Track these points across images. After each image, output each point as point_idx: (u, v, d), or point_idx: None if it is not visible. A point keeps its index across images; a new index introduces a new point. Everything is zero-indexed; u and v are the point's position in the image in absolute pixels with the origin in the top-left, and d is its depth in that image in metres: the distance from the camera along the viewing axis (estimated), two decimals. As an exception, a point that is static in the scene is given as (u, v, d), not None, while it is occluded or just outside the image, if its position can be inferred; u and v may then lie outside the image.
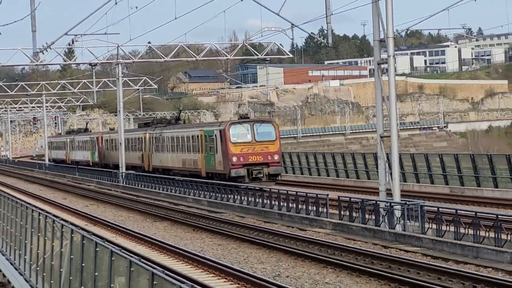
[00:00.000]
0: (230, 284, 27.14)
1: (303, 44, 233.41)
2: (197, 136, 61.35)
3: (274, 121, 64.24)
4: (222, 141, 55.67)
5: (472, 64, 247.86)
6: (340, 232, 37.98)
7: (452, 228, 32.03)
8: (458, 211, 32.45)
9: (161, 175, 70.11)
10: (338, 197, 40.97)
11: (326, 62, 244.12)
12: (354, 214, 38.77)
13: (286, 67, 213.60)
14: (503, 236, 29.17)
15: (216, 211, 49.68)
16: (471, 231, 30.76)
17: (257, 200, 48.58)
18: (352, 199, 39.99)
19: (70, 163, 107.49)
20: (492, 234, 29.65)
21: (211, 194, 55.50)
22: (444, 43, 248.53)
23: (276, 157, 55.67)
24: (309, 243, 34.80)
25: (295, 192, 45.44)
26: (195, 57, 73.64)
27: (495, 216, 30.43)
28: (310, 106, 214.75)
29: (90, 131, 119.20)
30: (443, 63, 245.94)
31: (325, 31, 37.91)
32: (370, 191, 48.53)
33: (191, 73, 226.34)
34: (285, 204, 45.08)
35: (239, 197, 50.96)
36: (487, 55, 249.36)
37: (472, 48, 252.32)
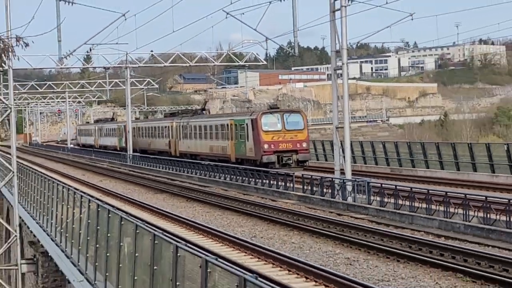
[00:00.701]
0: (216, 243, 27.11)
1: (275, 53, 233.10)
2: (227, 125, 55.05)
3: (302, 111, 56.02)
4: (254, 129, 49.43)
5: (409, 70, 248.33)
6: (304, 203, 38.00)
7: (392, 200, 32.13)
8: (397, 187, 32.59)
9: (184, 160, 64.40)
10: (302, 175, 41.05)
11: (293, 68, 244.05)
12: (314, 189, 38.85)
13: (261, 72, 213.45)
14: (433, 207, 29.26)
15: (206, 186, 49.59)
16: (407, 203, 30.87)
17: (238, 177, 48.57)
18: (313, 176, 40.04)
19: (98, 148, 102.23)
20: (424, 205, 29.75)
21: (225, 176, 51.11)
22: (387, 54, 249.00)
23: (304, 145, 49.34)
24: (279, 211, 34.81)
25: (267, 171, 45.61)
26: (189, 63, 74.53)
27: (426, 190, 30.55)
28: (280, 103, 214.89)
29: (116, 120, 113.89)
30: (386, 69, 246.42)
31: (293, 44, 37.88)
32: (327, 171, 48.54)
33: (185, 76, 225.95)
34: (260, 180, 45.21)
35: (223, 175, 50.98)
36: (421, 64, 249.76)
37: (409, 58, 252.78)
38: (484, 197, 27.74)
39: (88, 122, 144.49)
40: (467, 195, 28.08)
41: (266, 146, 48.29)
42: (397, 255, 23.18)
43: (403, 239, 25.35)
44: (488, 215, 26.36)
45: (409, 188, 31.52)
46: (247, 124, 50.72)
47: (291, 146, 48.70)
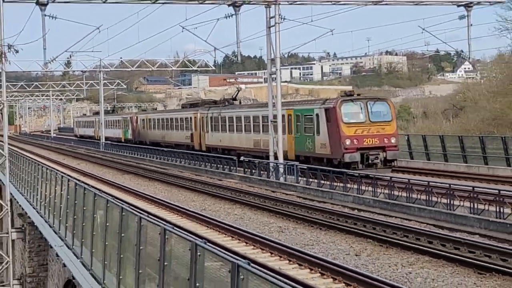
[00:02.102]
0: (172, 214, 27.01)
1: (222, 60, 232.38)
2: (282, 115, 37.50)
3: (389, 99, 38.18)
4: (330, 121, 34.15)
5: (330, 75, 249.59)
6: (244, 182, 37.98)
7: (316, 180, 32.27)
8: (320, 169, 32.73)
9: (143, 146, 58.10)
10: (243, 159, 40.99)
11: (236, 73, 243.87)
12: (253, 170, 38.85)
13: (211, 76, 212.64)
14: (349, 185, 29.45)
15: (166, 168, 49.24)
16: (328, 182, 31.03)
17: (191, 161, 48.35)
18: (251, 160, 40.02)
19: (98, 139, 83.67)
20: (341, 184, 29.92)
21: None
22: (312, 62, 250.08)
23: (393, 140, 34.00)
24: (224, 189, 34.78)
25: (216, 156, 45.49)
26: (151, 68, 74.55)
27: (343, 173, 30.71)
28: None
29: (117, 112, 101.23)
30: (311, 75, 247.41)
31: (236, 53, 37.83)
32: (264, 156, 48.51)
33: (148, 78, 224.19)
34: (209, 164, 45.06)
35: (178, 160, 50.70)
36: (339, 70, 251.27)
37: (330, 65, 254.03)
38: (389, 177, 28.06)
39: (85, 114, 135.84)
40: (375, 176, 28.29)
41: (348, 142, 33.29)
42: (319, 224, 23.31)
43: (324, 211, 25.50)
44: (392, 191, 26.61)
45: (329, 171, 31.68)
46: (317, 115, 35.37)
47: (378, 142, 33.78)
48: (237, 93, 55.30)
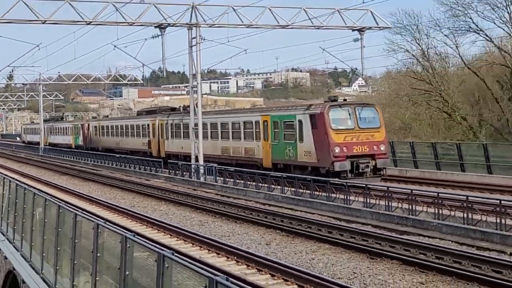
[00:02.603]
0: (104, 211, 26.48)
1: (149, 75, 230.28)
2: (255, 122, 33.19)
3: (377, 104, 32.47)
4: (317, 127, 28.43)
5: (244, 89, 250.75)
6: (169, 182, 37.67)
7: (232, 179, 32.27)
8: (236, 170, 32.71)
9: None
10: (168, 161, 40.65)
11: (162, 86, 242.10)
12: (177, 171, 38.57)
13: (139, 88, 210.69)
14: (260, 184, 29.54)
15: (98, 169, 48.35)
16: (242, 181, 31.07)
17: (121, 164, 47.63)
18: (175, 162, 39.70)
19: (47, 145, 77.53)
20: (254, 183, 29.99)
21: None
22: (229, 77, 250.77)
23: (382, 148, 28.70)
24: (152, 188, 34.40)
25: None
26: (86, 81, 73.31)
27: (254, 173, 30.79)
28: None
29: (66, 120, 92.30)
30: (228, 88, 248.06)
31: (162, 69, 37.72)
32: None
33: (84, 90, 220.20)
34: (138, 166, 44.49)
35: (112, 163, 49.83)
36: (252, 84, 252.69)
37: (244, 80, 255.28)
38: (295, 177, 28.27)
39: (33, 122, 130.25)
40: (283, 175, 28.49)
41: (337, 149, 27.81)
42: (235, 218, 23.30)
43: (239, 207, 25.51)
44: (298, 189, 26.82)
45: (244, 172, 31.72)
46: (300, 121, 29.61)
47: (367, 150, 28.37)
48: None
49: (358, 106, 29.32)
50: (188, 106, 43.39)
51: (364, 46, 36.20)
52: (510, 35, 49.50)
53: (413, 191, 21.49)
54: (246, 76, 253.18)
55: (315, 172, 28.40)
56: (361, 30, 36.05)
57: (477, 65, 51.46)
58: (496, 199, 19.19)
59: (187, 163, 37.82)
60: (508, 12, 48.40)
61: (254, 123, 33.36)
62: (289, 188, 27.42)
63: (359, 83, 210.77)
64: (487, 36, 50.58)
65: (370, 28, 36.06)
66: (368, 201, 22.60)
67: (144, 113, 55.19)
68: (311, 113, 29.05)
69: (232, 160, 35.60)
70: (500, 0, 48.36)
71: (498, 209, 17.92)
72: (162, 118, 46.23)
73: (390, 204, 21.63)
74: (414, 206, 20.68)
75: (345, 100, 32.30)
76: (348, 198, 23.01)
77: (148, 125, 48.45)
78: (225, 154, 36.57)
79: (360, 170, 27.85)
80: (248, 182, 30.39)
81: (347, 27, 35.80)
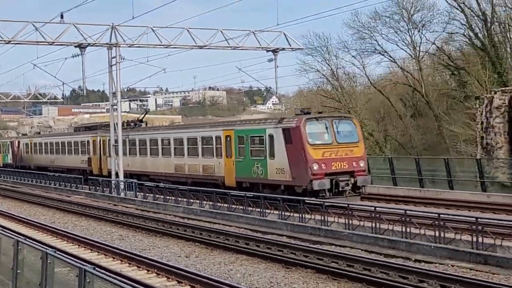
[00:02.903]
0: (25, 227, 25.58)
1: (69, 93, 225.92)
2: (215, 137, 29.51)
3: (354, 117, 29.16)
4: (292, 142, 25.00)
5: (163, 106, 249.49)
6: (90, 197, 36.87)
7: (152, 194, 31.89)
8: (158, 186, 32.32)
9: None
10: (88, 178, 39.79)
11: (82, 104, 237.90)
12: (98, 187, 37.81)
13: (59, 106, 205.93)
14: (179, 198, 29.27)
15: (16, 186, 46.76)
16: (162, 196, 30.74)
17: (41, 180, 46.29)
18: (95, 178, 38.91)
19: None
20: (173, 197, 29.71)
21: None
22: (148, 95, 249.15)
23: (362, 164, 25.44)
24: (72, 204, 33.54)
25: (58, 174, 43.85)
26: (5, 99, 71.01)
27: (187, 189, 30.47)
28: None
29: None
30: (147, 106, 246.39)
31: (82, 87, 37.05)
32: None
33: (2, 109, 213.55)
34: (59, 183, 43.37)
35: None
36: (171, 102, 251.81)
37: (163, 98, 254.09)
38: (214, 192, 28.18)
39: None
40: (202, 191, 28.35)
41: (315, 166, 24.28)
42: (155, 232, 23.01)
43: (159, 221, 25.22)
44: (216, 203, 26.74)
45: (175, 188, 31.36)
46: (270, 136, 25.98)
47: (347, 166, 25.00)
48: (145, 114, 45.84)
49: (335, 119, 25.97)
50: (133, 121, 42.17)
51: (277, 66, 36.71)
52: (412, 56, 51.33)
53: (325, 202, 21.78)
54: (165, 94, 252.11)
55: (288, 191, 24.91)
56: (275, 51, 36.55)
57: (382, 84, 53.15)
58: (401, 209, 19.78)
59: (128, 180, 34.94)
60: (410, 36, 50.24)
61: (214, 138, 29.62)
62: (208, 202, 27.31)
63: (273, 101, 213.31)
64: (391, 57, 52.36)
65: (283, 49, 36.59)
66: (283, 213, 22.74)
67: (83, 129, 50.95)
68: (284, 126, 25.44)
69: (187, 178, 31.73)
70: (403, 24, 50.20)
71: (403, 218, 18.43)
72: (104, 134, 41.80)
73: (303, 216, 21.86)
74: (326, 217, 20.98)
75: (320, 112, 28.87)
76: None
77: (88, 141, 44.22)
78: (179, 172, 32.50)
79: (340, 189, 24.53)
80: (168, 197, 30.10)
81: (262, 48, 36.22)
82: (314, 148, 24.56)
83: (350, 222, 20.05)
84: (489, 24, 45.14)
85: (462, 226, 17.51)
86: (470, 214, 21.29)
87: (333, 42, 63.46)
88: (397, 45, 51.41)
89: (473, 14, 46.15)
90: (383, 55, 52.25)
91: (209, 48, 35.82)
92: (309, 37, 67.97)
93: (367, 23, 51.85)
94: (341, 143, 25.24)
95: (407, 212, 18.87)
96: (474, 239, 16.28)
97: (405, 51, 51.22)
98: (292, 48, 36.95)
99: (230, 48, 35.88)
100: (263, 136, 26.50)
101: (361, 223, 19.85)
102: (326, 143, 25.00)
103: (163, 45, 34.95)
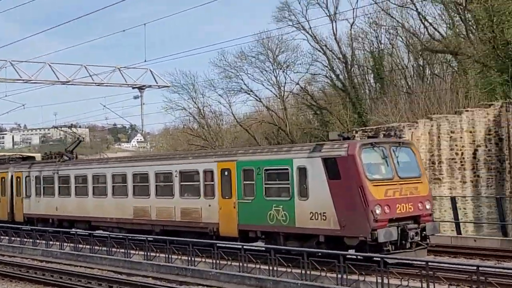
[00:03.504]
0: None
1: None
2: (203, 171, 21.76)
3: (413, 143, 20.52)
4: (341, 177, 17.69)
5: (21, 144, 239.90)
6: None
7: (7, 237, 30.20)
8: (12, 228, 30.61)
9: None
10: None
11: None
12: None
13: None
14: (37, 241, 27.91)
15: None
16: (18, 238, 29.19)
17: None
18: None
19: None
20: (31, 240, 28.27)
21: None
22: (4, 132, 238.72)
23: (428, 206, 18.24)
24: None
25: None
26: None
27: (32, 230, 29.06)
28: None
29: None
30: (3, 143, 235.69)
31: None
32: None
33: None
34: None
35: None
36: (29, 140, 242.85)
37: (21, 135, 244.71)
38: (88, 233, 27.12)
39: None
40: (93, 234, 27.16)
41: (378, 210, 17.18)
42: (10, 277, 21.73)
43: (14, 265, 23.89)
44: (93, 247, 25.33)
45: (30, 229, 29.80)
46: (301, 169, 18.82)
47: (412, 209, 18.00)
48: (78, 143, 34.86)
49: (393, 145, 18.89)
50: (64, 153, 32.71)
51: (144, 103, 36.46)
52: (277, 96, 52.82)
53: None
54: (23, 131, 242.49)
55: (330, 244, 18.19)
56: (141, 88, 36.29)
57: (248, 123, 54.21)
58: (262, 247, 19.85)
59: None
60: (275, 76, 51.77)
61: (202, 173, 22.10)
62: (69, 244, 26.22)
63: (138, 139, 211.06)
64: (256, 96, 53.62)
65: (150, 86, 36.44)
66: (148, 254, 22.22)
67: None
68: (326, 155, 18.28)
69: (154, 225, 24.30)
70: (268, 64, 51.69)
71: (269, 256, 18.52)
72: (19, 169, 32.72)
73: (170, 256, 21.49)
74: (193, 257, 20.62)
75: (374, 136, 22.13)
76: (128, 251, 19.77)
77: None
78: (141, 217, 24.83)
79: (411, 240, 17.69)
80: (25, 239, 28.59)
81: (128, 84, 35.86)
82: (374, 185, 17.61)
83: (218, 261, 19.77)
84: (349, 67, 47.51)
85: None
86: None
87: (200, 80, 63.89)
88: (263, 85, 52.82)
89: (334, 57, 48.42)
90: (249, 94, 53.42)
91: (72, 84, 34.92)
92: (176, 75, 68.04)
93: (234, 62, 52.92)
94: (403, 178, 18.34)
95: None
96: None
97: (271, 90, 52.70)
98: (158, 86, 36.90)
99: (94, 84, 35.19)
100: (287, 169, 19.30)
101: (229, 262, 19.63)
102: (386, 177, 18.14)
103: (23, 80, 33.69)
